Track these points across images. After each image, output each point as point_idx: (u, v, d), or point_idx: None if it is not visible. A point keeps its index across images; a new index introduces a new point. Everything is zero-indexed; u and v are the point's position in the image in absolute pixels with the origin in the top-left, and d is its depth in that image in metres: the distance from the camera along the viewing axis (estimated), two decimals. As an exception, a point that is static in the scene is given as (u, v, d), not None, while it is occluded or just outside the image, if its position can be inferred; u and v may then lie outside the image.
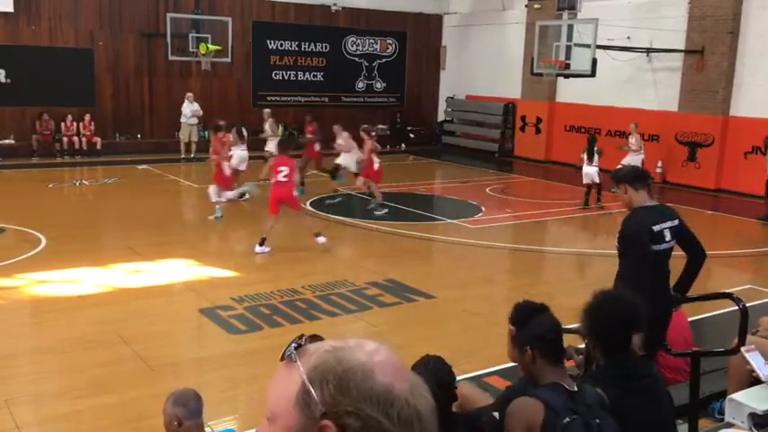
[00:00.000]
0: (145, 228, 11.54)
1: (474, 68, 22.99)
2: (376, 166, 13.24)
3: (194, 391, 3.63)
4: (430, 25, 24.19)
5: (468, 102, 23.64)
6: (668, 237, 4.33)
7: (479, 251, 10.98)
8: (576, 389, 2.78)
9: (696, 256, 4.58)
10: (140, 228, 11.55)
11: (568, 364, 4.86)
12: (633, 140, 15.63)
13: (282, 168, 10.15)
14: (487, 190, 16.26)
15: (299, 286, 8.64)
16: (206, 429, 3.69)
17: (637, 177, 4.42)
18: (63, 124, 18.54)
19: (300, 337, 1.05)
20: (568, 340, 5.54)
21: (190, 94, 19.08)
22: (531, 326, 2.89)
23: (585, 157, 14.09)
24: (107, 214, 13.23)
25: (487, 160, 21.12)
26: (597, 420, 2.68)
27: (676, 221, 4.42)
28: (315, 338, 1.05)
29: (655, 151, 17.18)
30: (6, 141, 17.97)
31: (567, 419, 2.62)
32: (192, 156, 18.75)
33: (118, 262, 9.50)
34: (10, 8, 17.63)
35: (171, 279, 8.99)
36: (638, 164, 13.84)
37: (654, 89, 17.93)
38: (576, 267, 10.57)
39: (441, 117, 24.75)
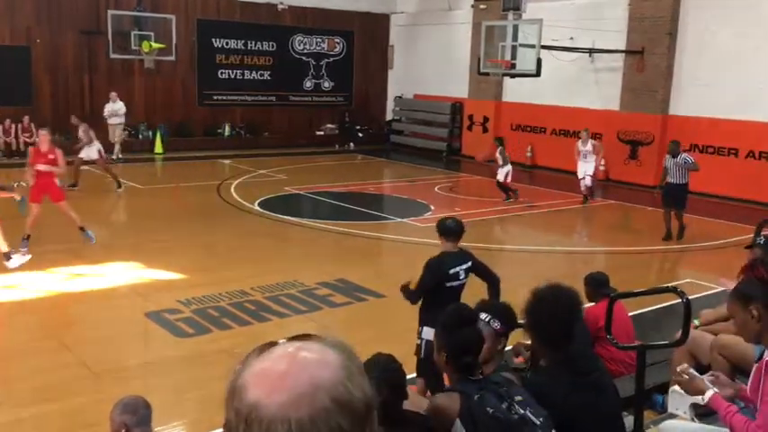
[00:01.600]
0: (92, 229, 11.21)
1: (422, 68, 23.12)
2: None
3: (143, 398, 3.55)
4: (377, 24, 24.22)
5: (417, 101, 23.77)
6: (462, 276, 5.39)
7: (428, 249, 11.02)
8: (481, 377, 3.03)
9: (493, 282, 5.50)
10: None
11: (517, 360, 4.94)
12: (584, 147, 14.68)
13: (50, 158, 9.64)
14: (436, 188, 16.37)
15: (248, 287, 8.54)
16: (153, 436, 3.61)
17: (447, 232, 5.49)
18: (1, 126, 17.90)
19: (297, 336, 1.02)
20: (516, 337, 5.61)
21: (113, 94, 18.58)
22: (454, 336, 3.03)
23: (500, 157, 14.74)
24: (46, 217, 12.81)
25: (436, 159, 21.27)
26: (504, 389, 2.92)
27: (469, 263, 5.46)
28: (303, 338, 1.02)
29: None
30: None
31: (478, 396, 2.86)
32: (118, 156, 18.19)
33: (59, 266, 9.22)
34: (-59, 3, 16.97)
35: (115, 282, 8.78)
36: (591, 170, 14.61)
37: (597, 89, 18.34)
38: (521, 264, 10.73)
39: (389, 116, 24.82)
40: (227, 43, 21.64)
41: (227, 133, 21.81)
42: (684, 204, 11.81)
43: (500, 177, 14.77)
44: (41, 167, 9.59)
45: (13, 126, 18.08)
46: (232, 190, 15.11)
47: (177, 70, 20.39)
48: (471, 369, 3.03)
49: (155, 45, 18.27)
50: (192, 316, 7.60)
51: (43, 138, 9.77)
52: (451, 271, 5.38)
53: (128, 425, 3.38)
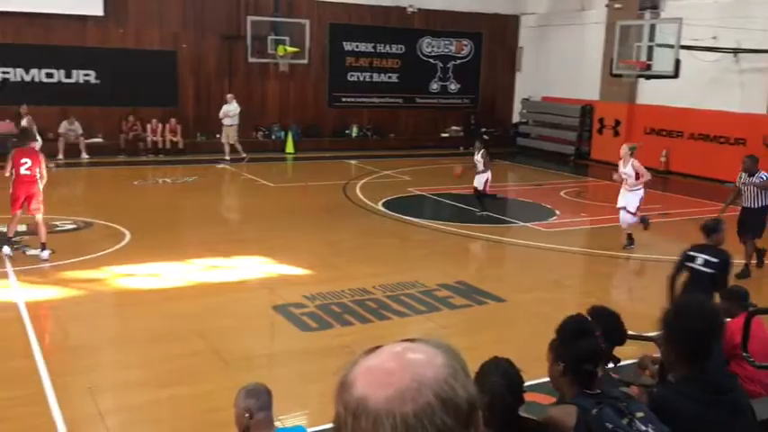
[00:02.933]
0: (222, 225, 11.86)
1: (551, 70, 22.62)
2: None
3: (265, 385, 3.74)
4: (506, 26, 23.95)
5: (544, 103, 23.28)
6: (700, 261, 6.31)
7: (552, 255, 10.81)
8: (599, 392, 2.92)
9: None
10: (217, 225, 11.89)
11: (644, 374, 4.74)
12: (626, 169, 10.90)
13: (25, 161, 9.59)
14: (562, 193, 15.97)
15: (370, 286, 8.71)
16: (276, 424, 3.78)
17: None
18: (149, 126, 19.27)
19: (404, 339, 1.07)
20: (643, 349, 5.38)
21: (229, 95, 19.44)
22: (573, 347, 2.94)
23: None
24: (187, 211, 13.69)
25: (563, 163, 20.75)
26: (624, 404, 2.80)
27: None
28: (410, 340, 1.06)
29: (739, 157, 16.47)
30: (95, 140, 18.80)
31: (596, 410, 2.76)
32: (242, 156, 19.01)
33: (196, 257, 9.81)
34: (100, 12, 18.44)
35: (245, 276, 9.23)
36: (634, 203, 10.81)
37: (740, 91, 17.20)
38: (650, 274, 10.26)
39: (515, 119, 24.46)
40: (357, 46, 22.15)
41: (354, 134, 22.32)
42: (759, 233, 9.75)
43: (478, 185, 13.19)
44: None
45: (160, 126, 19.39)
46: (357, 190, 15.45)
47: (309, 73, 21.12)
48: (590, 382, 2.94)
49: (289, 49, 19.00)
50: (315, 311, 7.86)
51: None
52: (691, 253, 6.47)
53: (251, 409, 3.57)
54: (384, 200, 14.19)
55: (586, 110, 21.51)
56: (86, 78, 18.90)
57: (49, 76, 18.50)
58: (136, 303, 8.15)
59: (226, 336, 7.18)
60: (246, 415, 3.58)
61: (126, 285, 8.71)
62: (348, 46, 22.02)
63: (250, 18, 19.17)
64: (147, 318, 7.64)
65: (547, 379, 3.20)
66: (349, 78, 22.25)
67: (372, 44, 22.33)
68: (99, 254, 9.80)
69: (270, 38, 19.21)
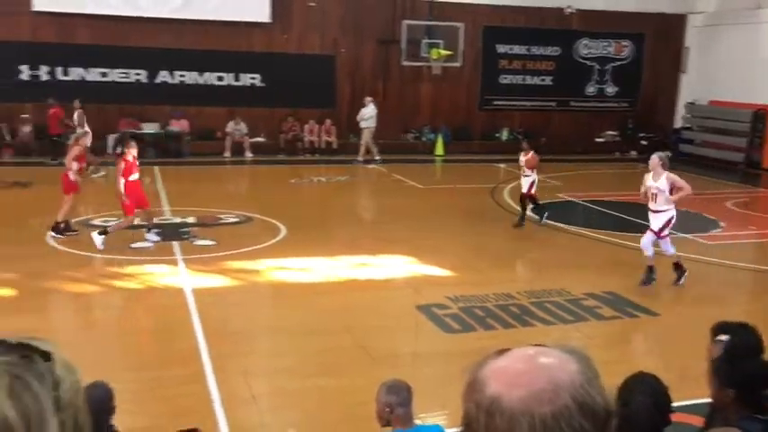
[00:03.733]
0: (370, 223, 12.20)
1: (720, 71, 21.17)
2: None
3: (406, 382, 3.84)
4: (671, 26, 22.70)
5: (712, 107, 21.82)
6: None
7: (714, 269, 10.15)
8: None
9: None
10: (366, 223, 12.25)
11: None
12: (657, 183, 8.93)
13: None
14: (728, 204, 14.93)
15: (515, 291, 8.62)
16: (415, 421, 3.87)
17: None
18: (306, 127, 20.18)
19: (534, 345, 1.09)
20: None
21: (368, 98, 19.73)
22: (744, 370, 2.72)
23: None
24: (338, 209, 14.21)
25: (730, 171, 19.36)
26: None
27: None
28: (545, 346, 1.08)
29: None
30: (258, 139, 19.96)
31: None
32: (375, 158, 19.33)
33: (345, 254, 10.17)
34: (267, 19, 19.57)
35: (391, 274, 9.44)
36: (662, 220, 8.91)
37: None
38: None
39: (678, 123, 23.13)
40: (510, 48, 21.92)
41: (504, 138, 22.10)
42: None
43: (524, 188, 12.08)
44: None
45: (316, 127, 20.25)
46: (505, 193, 15.31)
47: (461, 76, 21.18)
48: (762, 405, 2.75)
49: (443, 52, 19.17)
50: (458, 313, 7.90)
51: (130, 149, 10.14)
52: None
53: (392, 405, 3.69)
54: (533, 205, 13.95)
55: (759, 115, 19.93)
56: (252, 81, 20.12)
57: (220, 79, 19.89)
58: (288, 295, 8.60)
59: (372, 332, 7.40)
60: (387, 410, 3.70)
61: (280, 278, 9.21)
62: (501, 48, 21.84)
63: (405, 22, 19.54)
64: (299, 310, 8.04)
65: (697, 401, 3.05)
66: (501, 81, 22.06)
67: (527, 46, 22.00)
68: (257, 246, 10.42)
69: (424, 41, 19.48)
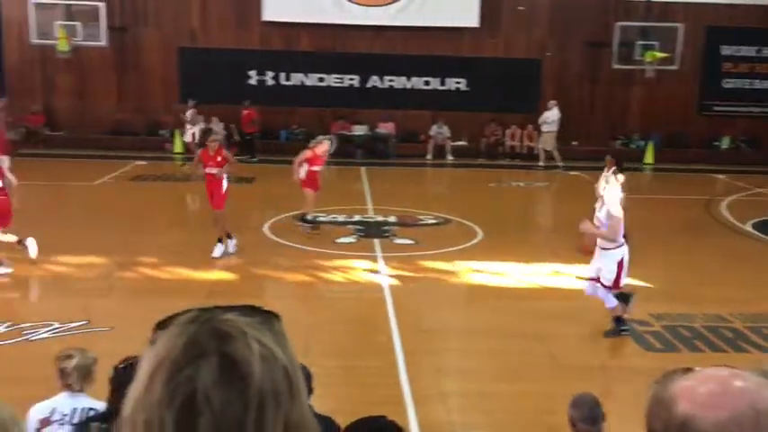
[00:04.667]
0: (567, 231, 11.84)
1: None
2: None
3: (594, 397, 3.71)
4: None
5: None
6: None
7: None
8: None
9: None
10: (563, 230, 11.91)
11: None
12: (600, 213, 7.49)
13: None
14: None
15: (727, 313, 7.96)
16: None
17: None
18: (508, 131, 20.09)
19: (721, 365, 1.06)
20: None
21: (551, 102, 18.90)
22: None
23: None
24: (535, 215, 14.00)
25: None
26: None
27: None
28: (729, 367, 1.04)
29: None
30: (460, 143, 20.21)
31: None
32: (558, 164, 18.57)
33: (540, 261, 9.99)
34: (476, 24, 19.75)
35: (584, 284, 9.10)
36: (612, 264, 7.12)
37: None
38: None
39: None
40: (737, 50, 20.16)
41: (724, 146, 20.38)
42: None
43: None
44: (210, 170, 9.78)
45: (519, 131, 20.07)
46: (723, 207, 14.12)
47: (678, 79, 19.85)
48: None
49: (658, 55, 18.13)
50: (661, 331, 7.46)
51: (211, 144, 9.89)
52: None
53: (574, 419, 3.60)
54: (754, 220, 12.74)
55: None
56: (457, 86, 20.42)
57: (426, 83, 20.42)
58: (481, 298, 8.65)
59: (563, 341, 7.22)
60: (571, 423, 3.62)
61: (474, 280, 9.28)
62: (726, 50, 20.14)
63: (619, 24, 18.73)
64: (490, 313, 8.06)
65: None
66: (724, 85, 20.36)
67: (756, 48, 20.10)
68: (454, 248, 10.58)
69: (637, 43, 18.55)
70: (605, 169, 10.20)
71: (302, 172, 11.01)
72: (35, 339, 6.75)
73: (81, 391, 3.68)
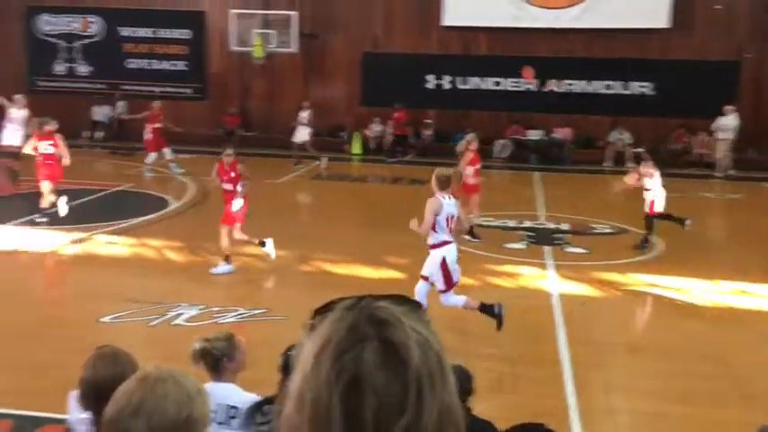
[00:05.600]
0: (757, 251, 10.88)
1: None
2: None
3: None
4: None
5: None
6: None
7: None
8: None
9: None
10: (755, 248, 10.98)
11: None
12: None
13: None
14: None
15: None
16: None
17: None
18: (696, 139, 18.80)
19: None
20: None
21: (728, 107, 17.18)
22: None
23: None
24: (725, 229, 13.01)
25: None
26: None
27: None
28: None
29: None
30: (640, 150, 19.15)
31: None
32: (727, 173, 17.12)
33: (726, 279, 9.29)
34: (666, 24, 18.67)
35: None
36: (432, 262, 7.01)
37: None
38: None
39: None
40: None
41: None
42: None
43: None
44: (225, 185, 9.27)
45: (709, 139, 18.68)
46: None
47: None
48: None
49: None
50: None
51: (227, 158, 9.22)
52: None
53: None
54: None
55: None
56: (642, 90, 19.44)
57: (608, 87, 19.64)
58: (657, 314, 8.24)
59: (747, 367, 6.69)
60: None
61: (650, 294, 8.84)
62: None
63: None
64: (666, 330, 7.65)
65: None
66: None
67: None
68: (630, 260, 10.14)
69: None
70: None
71: (469, 174, 11.10)
72: (223, 322, 7.38)
73: (227, 380, 3.70)
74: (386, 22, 20.25)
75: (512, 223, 12.23)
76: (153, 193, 14.22)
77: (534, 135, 19.57)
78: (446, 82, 20.35)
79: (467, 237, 10.76)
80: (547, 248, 10.71)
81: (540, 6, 19.18)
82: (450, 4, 19.51)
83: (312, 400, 0.87)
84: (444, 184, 7.02)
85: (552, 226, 12.18)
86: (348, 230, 11.79)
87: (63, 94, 21.16)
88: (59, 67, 21.64)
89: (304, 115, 18.10)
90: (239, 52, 20.04)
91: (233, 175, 9.12)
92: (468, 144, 11.44)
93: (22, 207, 11.97)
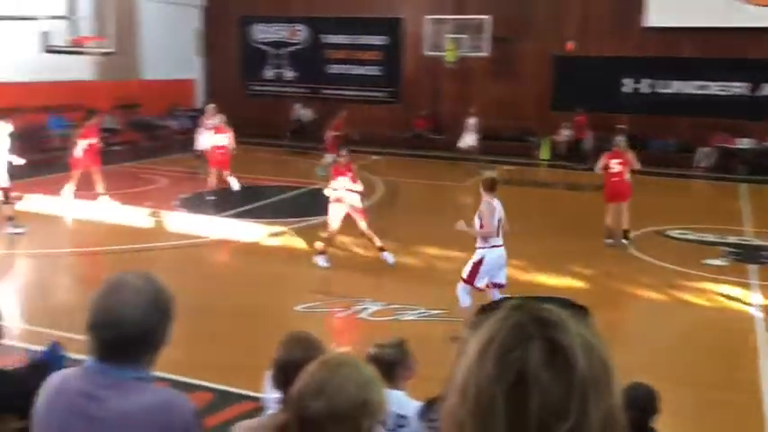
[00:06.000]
0: None
1: None
2: None
3: None
4: None
5: None
6: None
7: None
8: None
9: None
10: None
11: None
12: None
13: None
14: None
15: None
16: None
17: None
18: None
19: None
20: None
21: None
22: None
23: None
24: None
25: None
26: None
27: None
28: None
29: None
30: None
31: None
32: None
33: None
34: None
35: None
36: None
37: None
38: None
39: None
40: None
41: None
42: None
43: None
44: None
45: None
46: None
47: None
48: None
49: None
50: None
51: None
52: None
53: None
54: None
55: None
56: None
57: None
58: None
59: None
60: None
61: None
62: None
63: None
64: None
65: None
66: None
67: None
68: None
69: None
70: None
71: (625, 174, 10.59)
72: (403, 320, 7.60)
73: (394, 387, 3.65)
74: (581, 25, 19.64)
75: (712, 237, 11.35)
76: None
77: (744, 144, 17.99)
78: (645, 85, 19.32)
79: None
80: (752, 267, 9.83)
81: (757, 4, 17.57)
82: (654, 3, 18.48)
83: (475, 394, 0.88)
84: (491, 187, 7.23)
85: (760, 243, 11.14)
86: (531, 237, 11.58)
87: (271, 97, 22.92)
88: (269, 73, 23.41)
89: (471, 122, 18.24)
90: (432, 57, 20.44)
91: (350, 174, 9.59)
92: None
93: (231, 200, 13.13)
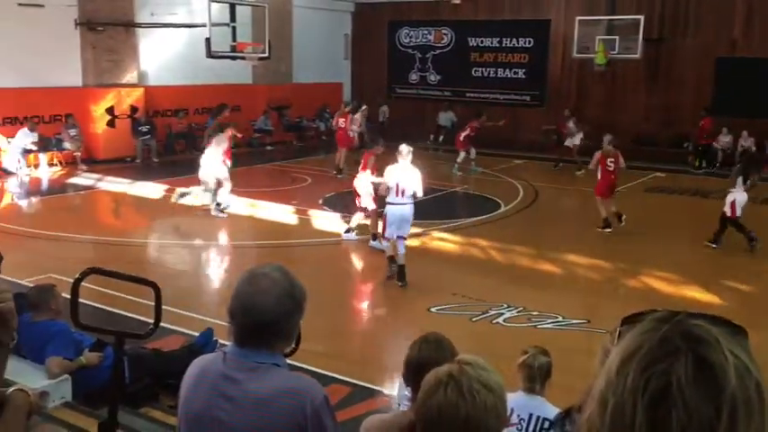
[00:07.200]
0: None
1: None
2: None
3: None
4: None
5: None
6: None
7: None
8: None
9: None
10: None
11: None
12: None
13: None
14: None
15: None
16: None
17: None
18: None
19: None
20: None
21: None
22: None
23: None
24: None
25: None
26: None
27: None
28: None
29: None
30: None
31: None
32: None
33: None
34: None
35: None
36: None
37: None
38: None
39: None
40: None
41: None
42: None
43: None
44: None
45: None
46: None
47: None
48: None
49: None
50: None
51: None
52: None
53: None
54: None
55: None
56: None
57: None
58: None
59: None
60: None
61: None
62: None
63: None
64: None
65: None
66: None
67: None
68: None
69: None
70: None
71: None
72: (541, 327, 7.45)
73: (538, 393, 3.75)
74: (746, 24, 18.29)
75: None
76: (486, 195, 14.83)
77: None
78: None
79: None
80: None
81: None
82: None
83: (615, 405, 0.85)
84: (404, 155, 8.78)
85: None
86: (681, 247, 10.97)
87: (414, 100, 23.21)
88: (413, 76, 23.72)
89: (571, 124, 18.15)
90: (580, 59, 19.83)
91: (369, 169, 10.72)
92: None
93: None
